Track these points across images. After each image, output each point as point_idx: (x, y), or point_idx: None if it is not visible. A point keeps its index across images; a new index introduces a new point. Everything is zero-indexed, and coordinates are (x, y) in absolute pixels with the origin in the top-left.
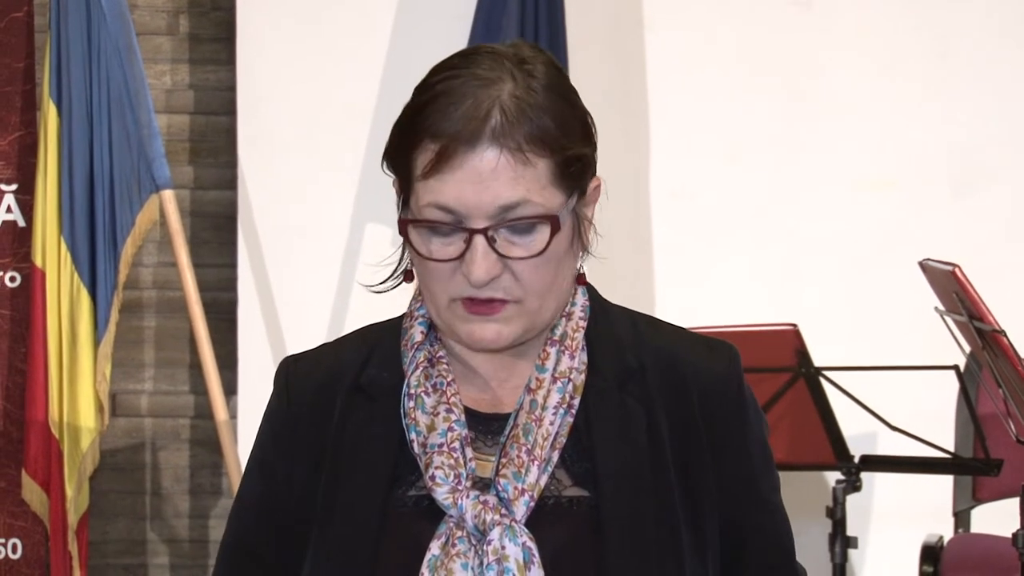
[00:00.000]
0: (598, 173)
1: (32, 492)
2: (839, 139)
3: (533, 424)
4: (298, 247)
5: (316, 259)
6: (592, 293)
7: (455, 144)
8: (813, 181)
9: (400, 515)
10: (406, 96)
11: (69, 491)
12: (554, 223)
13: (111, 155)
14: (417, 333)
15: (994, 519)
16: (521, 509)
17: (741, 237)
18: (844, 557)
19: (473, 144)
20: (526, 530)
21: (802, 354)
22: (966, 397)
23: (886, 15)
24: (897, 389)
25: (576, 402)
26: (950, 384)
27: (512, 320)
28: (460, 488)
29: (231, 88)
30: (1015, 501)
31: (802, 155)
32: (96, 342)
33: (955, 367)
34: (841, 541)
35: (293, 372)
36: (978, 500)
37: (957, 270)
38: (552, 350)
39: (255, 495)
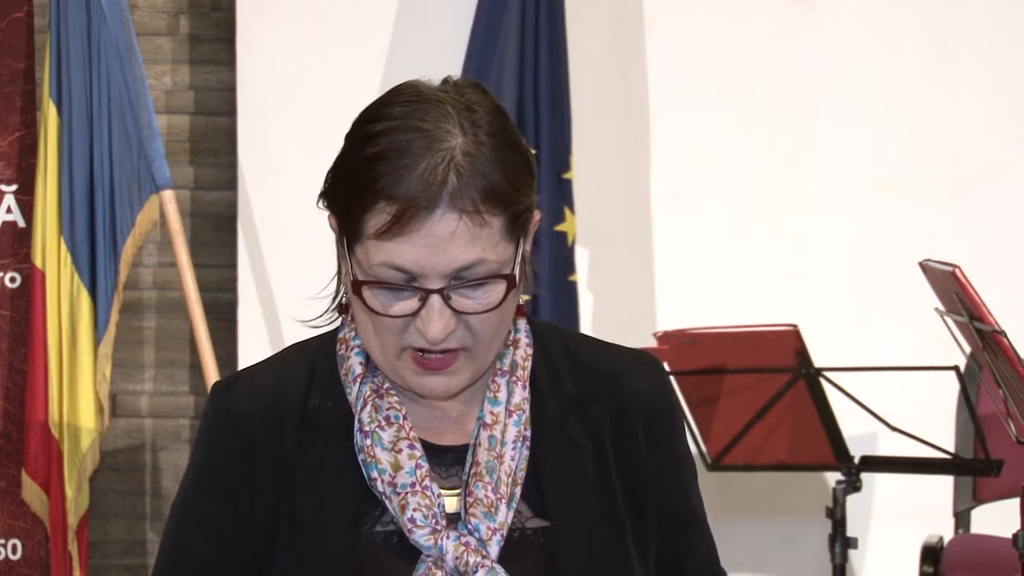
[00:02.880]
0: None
1: (32, 492)
2: (840, 139)
3: (495, 461)
4: (298, 247)
5: (316, 259)
6: (527, 317)
7: (413, 209)
8: (814, 181)
9: (371, 554)
10: None
11: (69, 491)
12: (510, 281)
13: (111, 155)
14: (356, 365)
15: (994, 520)
16: (495, 548)
17: (741, 237)
18: (844, 557)
19: (431, 209)
20: (504, 572)
21: (802, 354)
22: (966, 397)
23: (888, 15)
24: (897, 389)
25: (529, 433)
26: (950, 384)
27: (462, 370)
28: (439, 528)
29: (231, 88)
30: (1015, 502)
31: (803, 155)
32: (96, 342)
33: (955, 368)
34: (841, 541)
35: (233, 399)
36: (978, 500)
37: (957, 270)
38: (502, 381)
39: (207, 530)
